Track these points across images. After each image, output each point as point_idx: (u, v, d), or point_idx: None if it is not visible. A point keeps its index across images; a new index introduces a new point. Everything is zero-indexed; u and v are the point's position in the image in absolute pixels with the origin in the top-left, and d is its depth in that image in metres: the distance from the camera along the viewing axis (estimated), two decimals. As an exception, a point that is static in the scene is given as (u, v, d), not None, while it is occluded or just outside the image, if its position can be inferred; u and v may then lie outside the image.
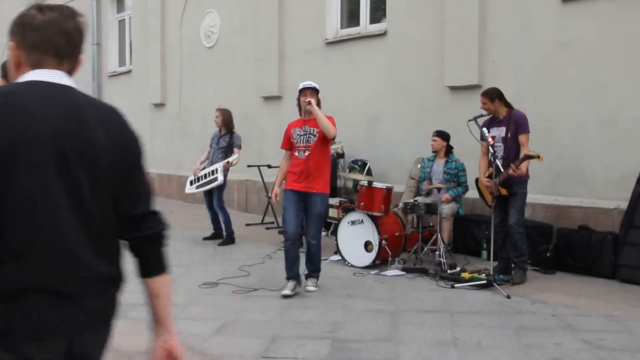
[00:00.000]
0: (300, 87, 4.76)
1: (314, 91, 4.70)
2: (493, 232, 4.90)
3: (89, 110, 1.42)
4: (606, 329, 3.85)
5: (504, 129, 5.05)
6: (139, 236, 1.48)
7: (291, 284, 4.62)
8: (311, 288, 4.76)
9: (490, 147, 4.88)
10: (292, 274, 4.65)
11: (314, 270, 4.84)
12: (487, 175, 5.09)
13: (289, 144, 4.81)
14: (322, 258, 5.89)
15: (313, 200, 4.62)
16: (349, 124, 7.64)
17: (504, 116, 5.08)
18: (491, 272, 4.86)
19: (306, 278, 4.83)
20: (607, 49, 5.57)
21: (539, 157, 4.70)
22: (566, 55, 5.84)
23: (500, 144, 5.05)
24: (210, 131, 7.20)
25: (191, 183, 7.00)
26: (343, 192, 7.70)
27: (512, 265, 5.15)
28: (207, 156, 6.98)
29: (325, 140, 4.66)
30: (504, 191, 4.99)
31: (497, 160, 4.85)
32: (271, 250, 6.19)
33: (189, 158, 10.40)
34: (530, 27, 6.10)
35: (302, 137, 4.71)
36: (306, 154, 4.66)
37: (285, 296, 4.51)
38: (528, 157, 4.76)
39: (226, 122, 6.81)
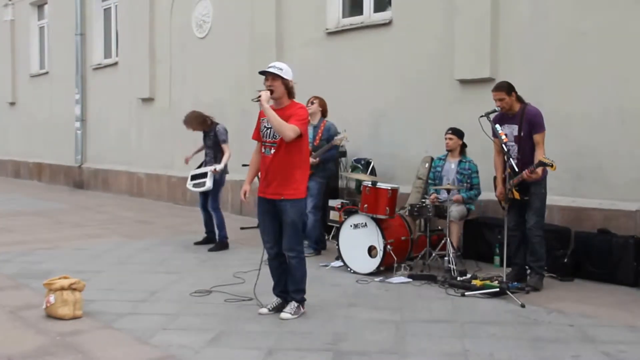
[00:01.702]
0: (260, 71, 4.29)
1: (276, 77, 4.15)
2: (507, 236, 4.90)
3: None
4: (628, 341, 3.84)
5: (516, 127, 5.00)
6: None
7: (274, 301, 4.41)
8: (284, 315, 4.21)
9: (503, 145, 4.87)
10: (276, 291, 4.44)
11: (295, 291, 4.31)
12: (504, 175, 5.05)
13: (258, 135, 4.39)
14: (323, 264, 5.95)
15: (283, 208, 4.21)
16: (352, 120, 7.63)
17: (516, 112, 5.05)
18: (504, 279, 4.86)
19: (285, 300, 4.38)
20: (628, 39, 5.56)
21: (552, 166, 4.68)
22: (584, 46, 5.83)
23: (513, 143, 5.01)
24: (203, 127, 7.20)
25: (192, 178, 6.95)
26: (345, 193, 7.70)
27: (528, 271, 5.15)
28: (200, 148, 7.02)
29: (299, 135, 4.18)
30: (516, 195, 4.96)
31: (511, 159, 4.83)
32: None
33: (179, 157, 10.36)
34: (546, 16, 6.09)
35: (268, 131, 4.25)
36: (272, 151, 4.23)
37: (260, 314, 4.31)
38: (542, 164, 4.74)
39: (199, 122, 6.73)
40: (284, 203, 4.22)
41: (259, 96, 4.10)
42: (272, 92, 4.18)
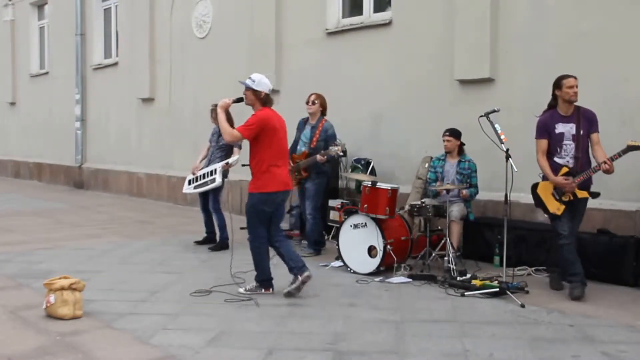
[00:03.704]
0: (240, 81, 4.99)
1: (248, 89, 4.83)
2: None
3: None
4: (628, 341, 3.84)
5: (573, 125, 4.83)
6: None
7: (290, 279, 4.91)
8: (240, 289, 4.90)
9: (502, 145, 4.87)
10: (290, 271, 4.95)
11: (256, 273, 4.96)
12: (561, 174, 4.82)
13: None
14: (323, 264, 5.98)
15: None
16: (352, 120, 7.64)
17: (571, 112, 4.86)
18: (504, 279, 4.86)
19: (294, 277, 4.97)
20: (628, 39, 5.56)
21: None
22: (584, 46, 5.83)
23: (571, 141, 4.83)
24: (202, 127, 7.22)
25: (190, 182, 6.99)
26: (345, 193, 7.70)
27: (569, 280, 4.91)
28: (207, 153, 7.00)
29: (254, 138, 4.77)
30: (583, 193, 4.77)
31: (510, 160, 4.82)
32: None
33: (179, 157, 10.41)
34: (546, 16, 6.10)
35: None
36: None
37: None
38: (634, 147, 4.52)
39: (228, 119, 6.82)
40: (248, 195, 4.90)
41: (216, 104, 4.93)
42: (244, 99, 4.87)
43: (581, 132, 4.81)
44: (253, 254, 4.91)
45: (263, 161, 4.79)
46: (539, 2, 6.15)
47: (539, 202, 5.02)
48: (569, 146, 4.84)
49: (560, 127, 4.85)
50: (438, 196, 6.06)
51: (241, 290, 4.88)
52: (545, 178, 4.94)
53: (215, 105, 6.88)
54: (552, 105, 4.95)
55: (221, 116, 4.82)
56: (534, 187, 5.04)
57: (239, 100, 4.92)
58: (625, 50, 5.58)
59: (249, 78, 4.87)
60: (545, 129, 4.90)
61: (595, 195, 4.84)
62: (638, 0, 5.52)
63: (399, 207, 6.04)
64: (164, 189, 11.02)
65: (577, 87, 4.81)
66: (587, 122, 4.83)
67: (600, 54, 5.74)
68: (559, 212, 4.81)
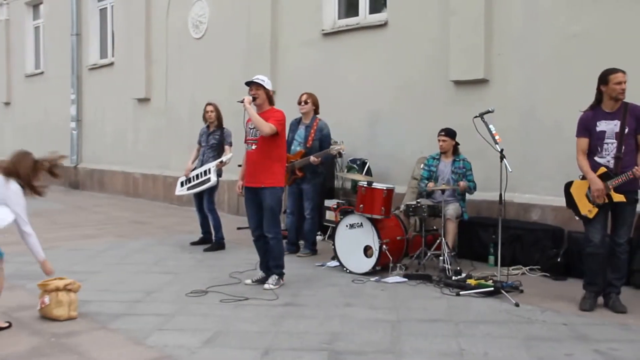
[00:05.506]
0: (246, 82, 5.08)
1: (260, 86, 4.97)
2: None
3: None
4: (620, 339, 3.86)
5: (617, 122, 4.42)
6: None
7: (258, 275, 5.20)
8: (267, 286, 4.99)
9: (497, 146, 4.88)
10: (262, 267, 5.21)
11: (275, 266, 5.09)
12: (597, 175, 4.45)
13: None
14: (319, 264, 5.98)
15: (262, 195, 4.96)
16: (347, 121, 7.65)
17: (617, 108, 4.46)
18: (498, 278, 4.87)
19: (267, 275, 5.12)
20: (623, 40, 5.58)
21: None
22: (578, 47, 5.85)
23: (613, 140, 4.43)
24: (198, 128, 7.20)
25: (182, 184, 7.00)
26: (341, 193, 7.71)
27: (608, 292, 4.54)
28: (197, 154, 6.99)
29: (278, 134, 4.96)
30: (619, 197, 4.38)
31: (504, 160, 4.81)
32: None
33: (175, 157, 10.39)
34: (539, 18, 6.12)
35: (251, 130, 5.05)
36: (253, 147, 5.01)
37: (246, 284, 5.13)
38: None
39: (219, 117, 6.85)
40: (264, 191, 4.95)
41: (242, 100, 4.90)
42: (256, 98, 4.96)
43: (626, 130, 4.41)
44: (278, 248, 5.07)
45: (283, 157, 5.11)
46: (533, 3, 6.17)
47: (570, 202, 4.67)
48: (611, 145, 4.46)
49: (602, 125, 4.49)
50: (430, 195, 6.06)
51: (269, 286, 4.98)
52: (584, 177, 4.54)
53: (209, 103, 6.94)
54: (597, 101, 4.56)
55: (252, 111, 4.90)
56: (568, 185, 4.71)
57: (254, 99, 5.03)
58: (619, 51, 5.60)
59: (257, 78, 5.02)
60: (585, 127, 4.55)
61: (634, 200, 4.45)
62: (628, 3, 5.54)
63: (394, 207, 6.05)
64: (160, 189, 11.00)
65: (625, 82, 4.40)
66: (634, 119, 4.42)
67: (593, 55, 5.75)
68: (590, 215, 4.48)
